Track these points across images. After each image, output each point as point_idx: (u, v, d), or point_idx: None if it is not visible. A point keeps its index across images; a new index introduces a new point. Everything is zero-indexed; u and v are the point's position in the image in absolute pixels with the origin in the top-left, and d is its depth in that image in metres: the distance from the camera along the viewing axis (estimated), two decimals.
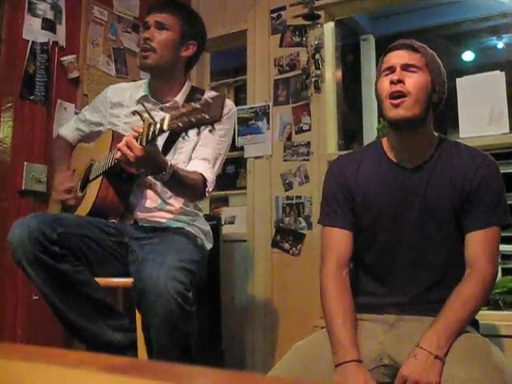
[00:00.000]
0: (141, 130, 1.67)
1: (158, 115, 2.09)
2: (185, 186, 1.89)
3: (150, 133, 1.62)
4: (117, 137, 2.02)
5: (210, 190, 1.99)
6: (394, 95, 1.51)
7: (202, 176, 1.96)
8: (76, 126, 2.34)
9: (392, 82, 1.52)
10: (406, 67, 1.53)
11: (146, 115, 1.67)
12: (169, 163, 1.76)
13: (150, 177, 1.90)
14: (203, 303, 2.76)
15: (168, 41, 2.07)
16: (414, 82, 1.52)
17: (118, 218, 2.05)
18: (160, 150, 1.84)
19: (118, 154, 1.71)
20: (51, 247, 1.75)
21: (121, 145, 1.67)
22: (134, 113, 1.76)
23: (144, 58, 2.05)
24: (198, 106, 1.52)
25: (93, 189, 2.01)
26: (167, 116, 1.57)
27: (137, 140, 1.66)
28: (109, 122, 2.20)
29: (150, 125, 1.63)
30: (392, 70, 1.55)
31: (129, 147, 1.65)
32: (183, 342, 1.75)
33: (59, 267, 1.76)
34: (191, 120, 1.51)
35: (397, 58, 1.56)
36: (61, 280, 1.77)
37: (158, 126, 1.60)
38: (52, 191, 2.24)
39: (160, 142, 1.99)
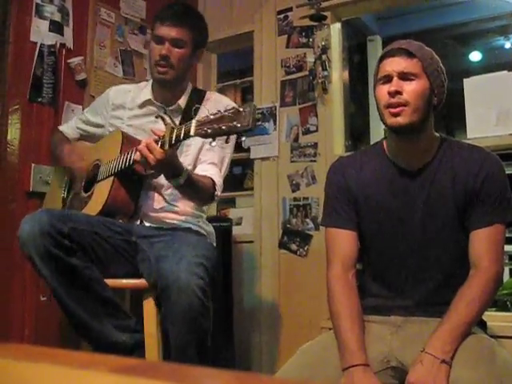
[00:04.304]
0: (162, 134, 1.69)
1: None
2: (197, 190, 1.92)
3: (174, 137, 1.64)
4: (127, 138, 2.03)
5: (219, 193, 2.02)
6: (393, 106, 1.49)
7: (212, 180, 1.99)
8: (77, 126, 2.36)
9: (389, 93, 1.49)
10: (402, 75, 1.49)
11: (168, 120, 1.68)
12: (185, 168, 1.79)
13: (163, 180, 1.93)
14: (217, 302, 2.79)
15: (184, 56, 2.07)
16: (412, 90, 1.48)
17: (126, 218, 2.06)
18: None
19: (138, 156, 1.74)
20: (62, 240, 1.75)
21: (141, 147, 1.70)
22: (158, 117, 1.78)
23: (162, 74, 2.06)
24: (228, 114, 1.52)
25: (103, 189, 2.01)
26: (193, 121, 1.58)
27: (157, 143, 1.69)
28: (110, 123, 2.21)
29: (172, 129, 1.65)
30: (389, 78, 1.51)
31: (150, 150, 1.68)
32: (202, 337, 1.77)
33: (69, 261, 1.77)
34: (221, 127, 1.51)
35: (393, 65, 1.51)
36: (70, 275, 1.78)
37: (183, 130, 1.61)
38: (64, 159, 2.23)
39: None
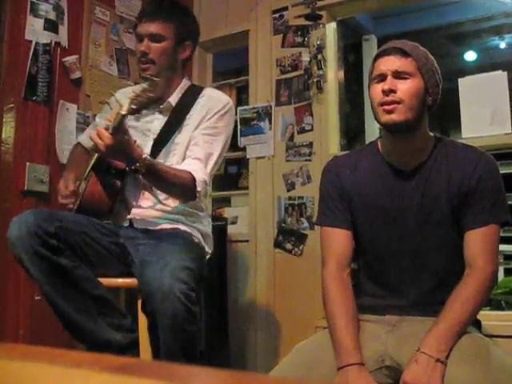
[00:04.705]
0: (112, 120, 1.71)
1: (155, 117, 2.11)
2: (167, 181, 1.89)
3: (116, 120, 1.66)
4: None
5: (199, 189, 1.94)
6: (387, 103, 1.49)
7: (191, 175, 1.93)
8: (90, 132, 2.35)
9: (384, 92, 1.49)
10: (397, 74, 1.49)
11: (114, 104, 1.70)
12: (144, 155, 1.77)
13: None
14: (212, 301, 2.79)
15: (165, 50, 2.07)
16: (406, 89, 1.48)
17: (114, 218, 2.05)
18: (148, 151, 1.94)
19: (91, 144, 1.75)
20: (49, 240, 1.75)
21: (93, 135, 1.72)
22: (103, 102, 1.80)
23: (144, 70, 2.06)
24: (147, 86, 1.61)
25: (82, 186, 2.01)
26: (127, 101, 1.63)
27: (107, 130, 1.70)
28: None
29: (117, 113, 1.67)
30: (383, 77, 1.51)
31: (99, 136, 1.69)
32: (189, 342, 1.75)
33: (57, 261, 1.76)
34: (141, 100, 1.60)
35: (387, 64, 1.51)
36: (59, 274, 1.77)
37: (120, 112, 1.65)
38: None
39: (148, 145, 2.05)
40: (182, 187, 1.93)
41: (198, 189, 1.93)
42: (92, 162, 1.97)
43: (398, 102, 1.48)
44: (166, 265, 1.71)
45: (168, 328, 1.69)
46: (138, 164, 1.75)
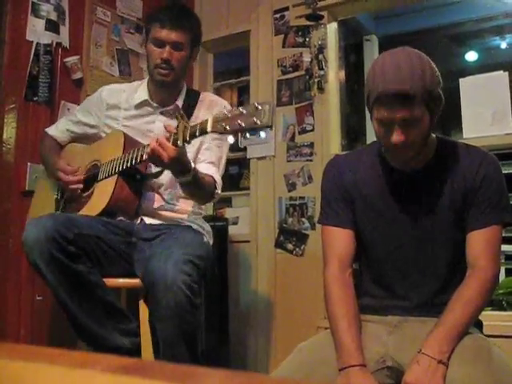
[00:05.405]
0: (175, 131, 1.69)
1: (158, 119, 2.11)
2: (201, 187, 1.93)
3: (188, 133, 1.64)
4: (129, 139, 2.05)
5: (219, 191, 2.05)
6: (398, 148, 1.43)
7: (213, 178, 2.02)
8: (67, 128, 2.33)
9: (394, 142, 1.41)
10: (404, 123, 1.39)
11: (180, 118, 1.69)
12: (193, 165, 1.80)
13: (162, 180, 1.99)
14: (213, 302, 2.79)
15: (184, 58, 2.09)
16: (416, 134, 1.41)
17: (127, 216, 2.06)
18: None
19: (150, 153, 1.73)
20: (67, 247, 1.76)
21: (154, 145, 1.70)
22: (165, 113, 1.75)
23: (163, 76, 2.06)
24: (246, 111, 1.51)
25: (106, 188, 2.00)
26: (210, 117, 1.59)
27: (168, 140, 1.69)
28: (104, 123, 2.20)
29: (185, 126, 1.65)
30: (389, 122, 1.41)
31: (163, 148, 1.68)
32: (191, 334, 1.77)
33: (75, 268, 1.77)
34: (240, 124, 1.51)
35: (392, 113, 1.39)
36: (75, 281, 1.78)
37: (199, 127, 1.61)
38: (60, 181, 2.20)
39: None
40: (207, 191, 1.99)
41: (218, 191, 2.04)
42: (120, 166, 1.95)
43: (409, 146, 1.43)
44: (171, 256, 1.74)
45: (169, 318, 1.70)
46: (188, 174, 1.78)
